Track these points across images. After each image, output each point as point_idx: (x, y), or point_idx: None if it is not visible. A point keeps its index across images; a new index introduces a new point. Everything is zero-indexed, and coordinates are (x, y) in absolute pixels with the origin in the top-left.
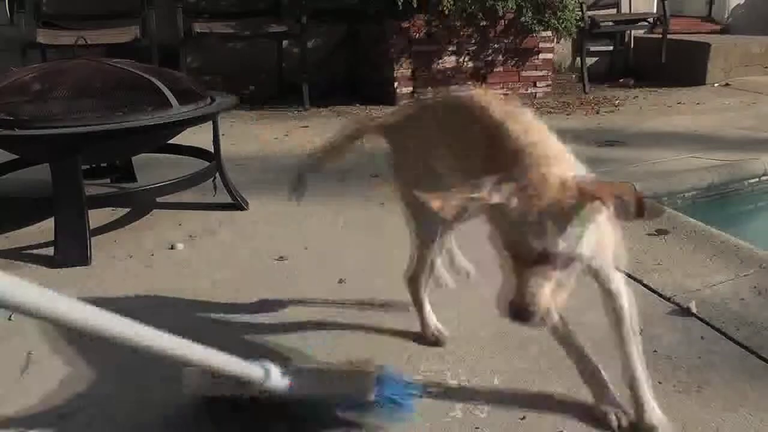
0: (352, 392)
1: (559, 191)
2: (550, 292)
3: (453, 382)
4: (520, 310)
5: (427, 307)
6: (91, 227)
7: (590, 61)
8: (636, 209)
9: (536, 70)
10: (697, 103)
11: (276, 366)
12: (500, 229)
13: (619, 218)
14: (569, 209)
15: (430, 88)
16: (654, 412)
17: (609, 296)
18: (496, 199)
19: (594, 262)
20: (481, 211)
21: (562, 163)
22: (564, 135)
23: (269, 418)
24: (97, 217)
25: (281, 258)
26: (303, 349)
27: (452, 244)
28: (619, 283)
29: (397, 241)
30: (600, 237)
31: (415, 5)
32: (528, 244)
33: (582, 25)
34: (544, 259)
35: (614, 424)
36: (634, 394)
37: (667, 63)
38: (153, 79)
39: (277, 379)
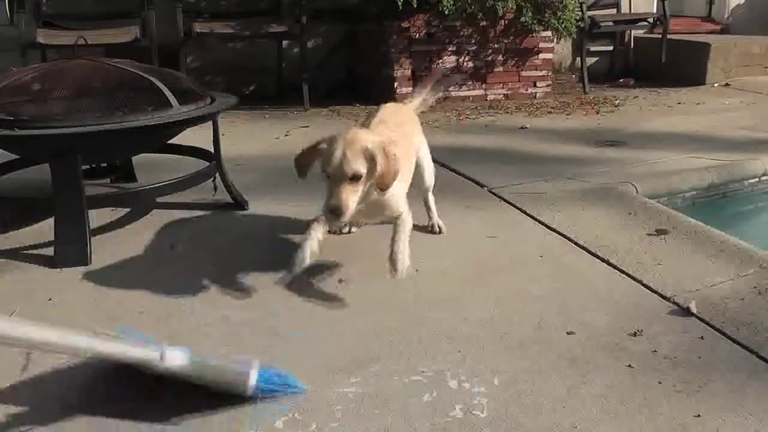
0: (232, 387)
1: (365, 144)
2: (353, 200)
3: (453, 382)
4: (336, 210)
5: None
6: (91, 227)
7: (590, 61)
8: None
9: (536, 70)
10: (697, 103)
11: (173, 350)
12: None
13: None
14: (369, 153)
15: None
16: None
17: (394, 215)
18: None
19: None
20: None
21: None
22: (564, 135)
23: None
24: (97, 217)
25: (282, 258)
26: (303, 344)
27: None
28: (404, 212)
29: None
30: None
31: (415, 5)
32: (344, 169)
33: (582, 25)
34: (355, 178)
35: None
36: (391, 249)
37: (667, 63)
38: (153, 79)
39: (171, 361)
